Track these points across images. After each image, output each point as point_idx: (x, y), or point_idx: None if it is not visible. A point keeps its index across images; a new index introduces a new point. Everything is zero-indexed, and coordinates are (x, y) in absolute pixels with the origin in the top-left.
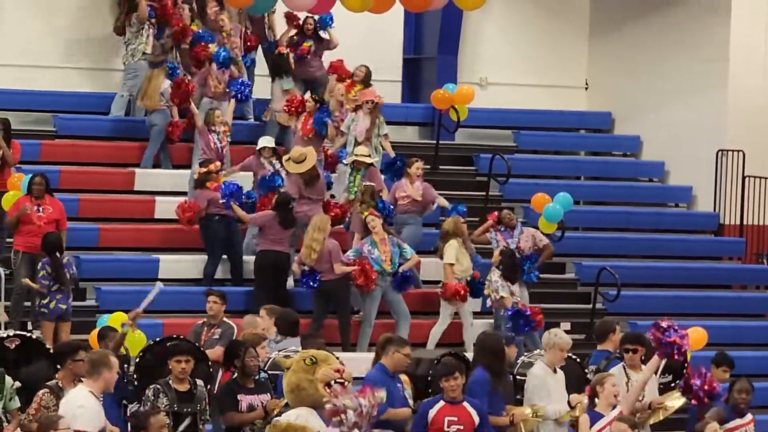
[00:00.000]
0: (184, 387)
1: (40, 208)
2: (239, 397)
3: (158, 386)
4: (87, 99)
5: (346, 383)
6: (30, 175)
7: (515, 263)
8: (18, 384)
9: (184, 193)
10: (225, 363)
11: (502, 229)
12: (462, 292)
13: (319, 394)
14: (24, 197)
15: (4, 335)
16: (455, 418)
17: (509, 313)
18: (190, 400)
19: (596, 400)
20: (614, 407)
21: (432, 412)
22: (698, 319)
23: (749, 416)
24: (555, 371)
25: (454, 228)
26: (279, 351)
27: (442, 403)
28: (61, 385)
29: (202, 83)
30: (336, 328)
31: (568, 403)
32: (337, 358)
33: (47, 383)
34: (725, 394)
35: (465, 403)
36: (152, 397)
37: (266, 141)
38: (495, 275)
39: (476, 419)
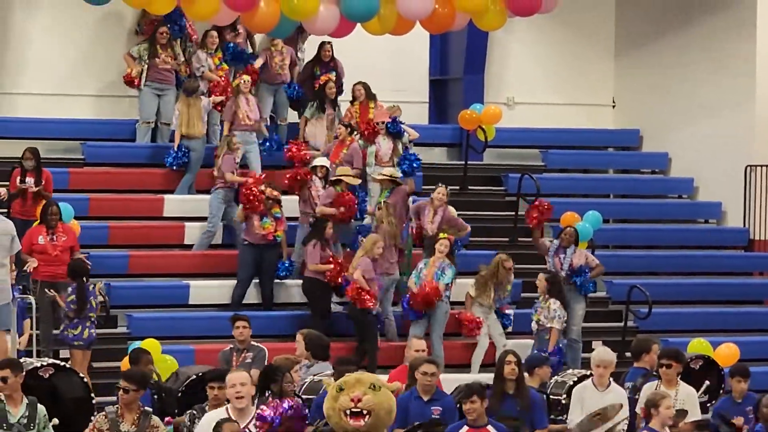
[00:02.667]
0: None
1: (54, 237)
2: None
3: (194, 412)
4: (114, 126)
5: (364, 411)
6: (44, 204)
7: (560, 282)
8: (55, 421)
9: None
10: (259, 387)
11: (561, 246)
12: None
13: (342, 423)
14: (37, 227)
15: (38, 364)
16: None
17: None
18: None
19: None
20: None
21: None
22: (730, 335)
23: None
24: (605, 389)
25: (493, 273)
26: (313, 375)
27: (465, 428)
28: (119, 412)
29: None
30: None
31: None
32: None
33: (106, 408)
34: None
35: (489, 427)
36: (189, 423)
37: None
38: (555, 305)
39: None
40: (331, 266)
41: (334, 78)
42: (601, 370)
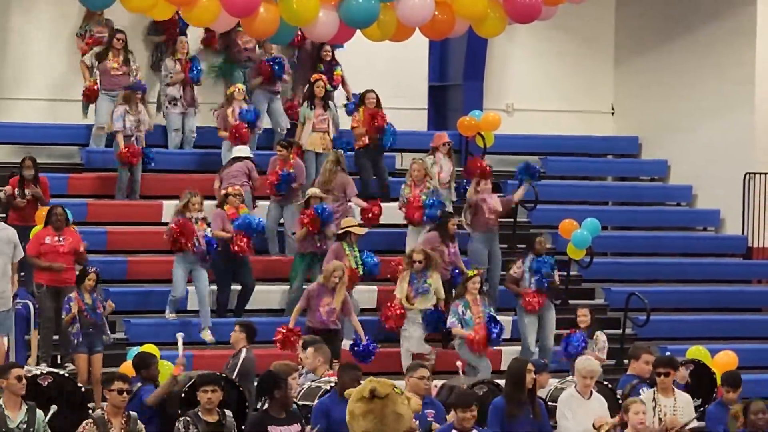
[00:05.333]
0: (213, 418)
1: (61, 239)
2: (269, 428)
3: (188, 418)
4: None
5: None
6: (49, 207)
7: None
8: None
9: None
10: (260, 393)
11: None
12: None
13: (411, 424)
14: (44, 230)
15: (38, 372)
16: None
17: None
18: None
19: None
20: None
21: None
22: (728, 342)
23: None
24: (589, 397)
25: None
26: (311, 381)
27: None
28: (106, 417)
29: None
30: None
31: (593, 425)
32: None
33: (92, 414)
34: None
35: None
36: (182, 429)
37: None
38: (602, 336)
39: None
40: None
41: (325, 78)
42: (587, 381)
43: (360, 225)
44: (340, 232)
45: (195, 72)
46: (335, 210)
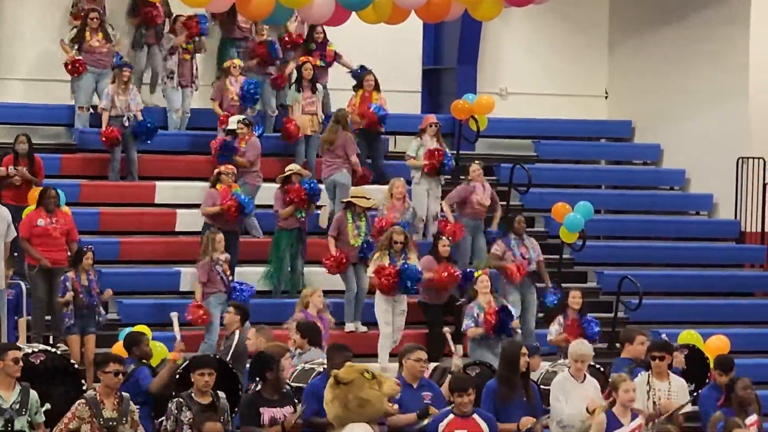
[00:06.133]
0: (207, 400)
1: (54, 220)
2: (262, 410)
3: (181, 399)
4: None
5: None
6: (42, 189)
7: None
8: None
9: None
10: (252, 375)
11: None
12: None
13: (384, 409)
14: (36, 211)
15: (30, 351)
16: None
17: None
18: (214, 413)
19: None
20: (634, 415)
21: (442, 426)
22: (721, 327)
23: (755, 416)
24: (582, 380)
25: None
26: (304, 363)
27: (451, 416)
28: (98, 398)
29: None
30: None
31: (587, 408)
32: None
33: (84, 395)
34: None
35: (475, 416)
36: (175, 411)
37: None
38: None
39: (486, 430)
40: None
41: (314, 61)
42: (579, 365)
43: (364, 197)
44: (345, 200)
45: (203, 25)
46: (337, 166)
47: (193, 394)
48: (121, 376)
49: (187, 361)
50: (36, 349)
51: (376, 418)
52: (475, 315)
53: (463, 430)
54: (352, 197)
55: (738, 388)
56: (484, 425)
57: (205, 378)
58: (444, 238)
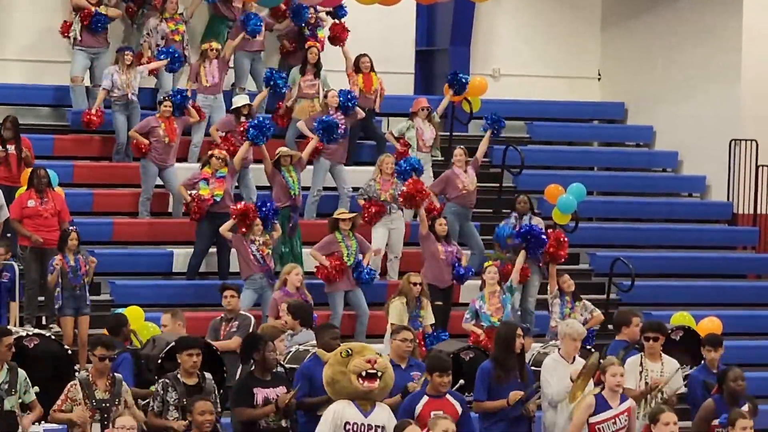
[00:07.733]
0: (193, 381)
1: (44, 201)
2: (255, 390)
3: (167, 380)
4: None
5: (380, 373)
6: (32, 169)
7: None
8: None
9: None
10: (242, 356)
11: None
12: None
13: (353, 386)
14: (26, 192)
15: (24, 333)
16: (440, 412)
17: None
18: (200, 394)
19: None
20: (623, 398)
21: (418, 408)
22: (712, 308)
23: (747, 405)
24: (572, 362)
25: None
26: (298, 344)
27: (426, 398)
28: (91, 379)
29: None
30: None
31: (570, 377)
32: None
33: (77, 375)
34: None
35: (447, 396)
36: (162, 392)
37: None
38: (587, 302)
39: (459, 410)
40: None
41: (318, 45)
42: (578, 343)
43: (350, 216)
44: (332, 219)
45: None
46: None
47: (179, 375)
48: (108, 361)
49: (170, 344)
50: (30, 332)
51: (353, 395)
52: (477, 308)
53: (438, 410)
54: (336, 215)
55: (729, 379)
56: (457, 404)
57: (192, 359)
58: (442, 218)
